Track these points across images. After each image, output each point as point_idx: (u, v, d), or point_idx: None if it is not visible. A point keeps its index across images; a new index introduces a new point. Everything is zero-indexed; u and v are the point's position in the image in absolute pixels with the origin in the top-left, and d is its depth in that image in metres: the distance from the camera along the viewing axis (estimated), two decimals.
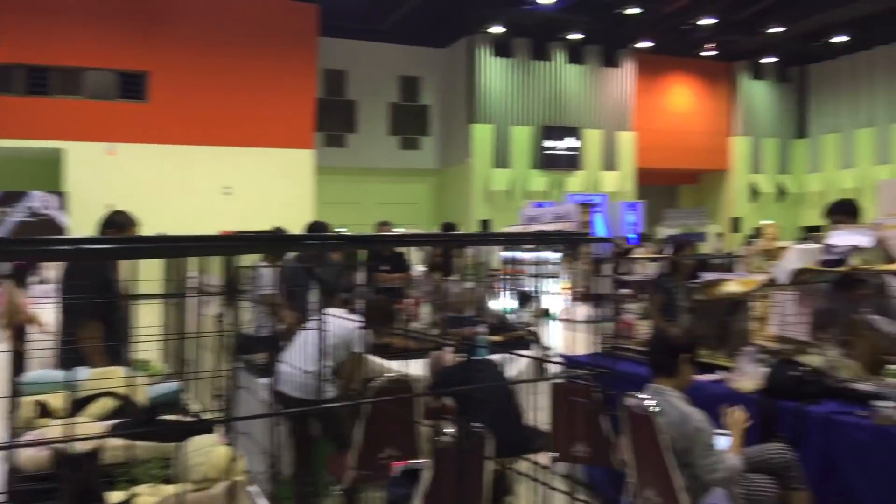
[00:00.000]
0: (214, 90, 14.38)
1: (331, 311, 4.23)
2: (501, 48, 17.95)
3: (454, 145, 18.44)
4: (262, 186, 14.63)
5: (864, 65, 19.82)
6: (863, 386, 3.32)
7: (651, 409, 2.85)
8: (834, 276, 3.61)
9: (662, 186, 21.50)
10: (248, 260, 4.84)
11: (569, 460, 3.88)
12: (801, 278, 3.62)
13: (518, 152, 18.25)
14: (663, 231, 17.90)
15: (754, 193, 21.04)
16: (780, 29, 17.45)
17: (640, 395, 2.95)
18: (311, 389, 3.62)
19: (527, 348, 5.66)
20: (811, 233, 13.71)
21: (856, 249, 3.53)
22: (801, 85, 21.73)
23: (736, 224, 19.75)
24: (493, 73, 17.98)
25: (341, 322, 3.95)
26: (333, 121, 17.30)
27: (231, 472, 2.32)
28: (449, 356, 3.79)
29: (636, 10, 16.05)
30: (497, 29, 17.13)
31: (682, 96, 20.65)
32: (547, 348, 6.47)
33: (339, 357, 3.93)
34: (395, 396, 3.21)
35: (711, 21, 16.76)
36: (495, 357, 4.53)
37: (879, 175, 17.90)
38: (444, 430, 2.56)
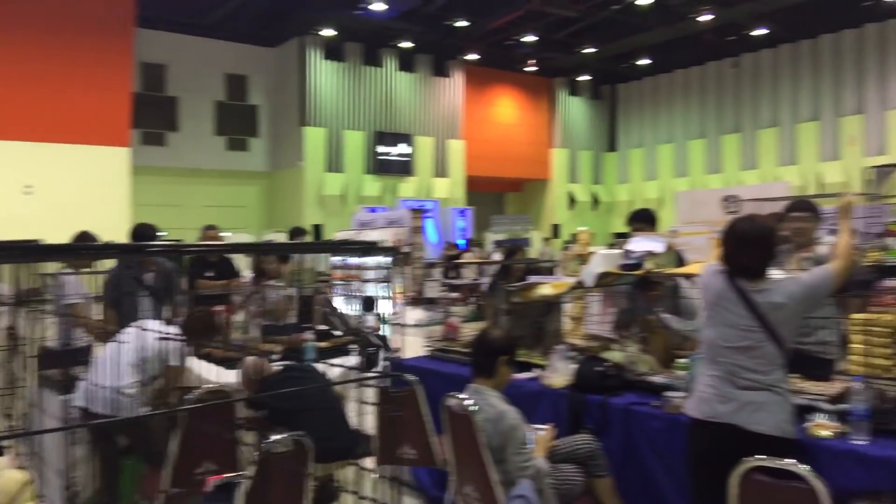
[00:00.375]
0: (13, 79, 12.99)
1: (144, 322, 3.99)
2: (333, 51, 17.84)
3: (285, 148, 18.05)
4: (70, 186, 13.41)
5: (665, 86, 21.93)
6: (657, 378, 3.66)
7: (469, 408, 2.96)
8: (632, 278, 3.96)
9: (490, 193, 22.42)
10: (49, 266, 4.44)
11: (394, 463, 3.93)
12: (604, 281, 3.93)
13: (351, 157, 18.22)
14: (491, 236, 18.67)
15: (572, 202, 22.52)
16: (593, 50, 18.86)
17: (460, 396, 3.05)
18: (117, 405, 3.38)
19: (375, 354, 5.63)
20: (619, 238, 14.90)
21: (650, 254, 3.90)
22: (612, 102, 23.62)
23: (556, 230, 21.02)
24: (325, 76, 17.83)
25: (155, 334, 3.74)
26: (152, 118, 16.26)
27: (21, 497, 2.12)
28: (265, 364, 3.70)
29: (464, 23, 16.63)
30: (328, 32, 17.01)
31: (507, 108, 21.66)
32: (396, 351, 6.50)
33: (152, 370, 3.70)
34: (208, 404, 3.08)
35: (532, 39, 17.76)
36: (331, 361, 4.49)
37: (678, 186, 19.88)
38: (263, 441, 2.50)
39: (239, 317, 4.53)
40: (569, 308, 4.64)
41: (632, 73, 21.80)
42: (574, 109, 22.81)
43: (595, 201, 22.97)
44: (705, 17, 16.13)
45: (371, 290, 11.20)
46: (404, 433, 3.67)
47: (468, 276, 13.71)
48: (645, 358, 3.87)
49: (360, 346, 7.61)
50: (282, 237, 15.32)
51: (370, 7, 15.20)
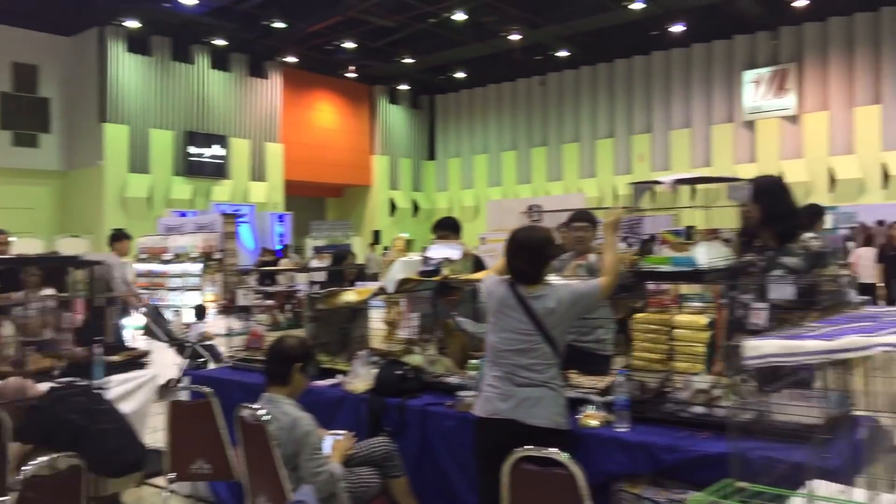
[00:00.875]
0: None
1: None
2: (137, 44, 16.74)
3: (82, 145, 16.64)
4: None
5: (480, 99, 22.93)
6: (452, 379, 3.84)
7: (262, 418, 2.93)
8: (431, 284, 4.12)
9: (310, 199, 22.14)
10: None
11: (189, 479, 3.78)
12: (404, 287, 4.06)
13: (158, 157, 17.18)
14: (311, 242, 18.45)
15: (393, 208, 22.84)
16: (411, 60, 19.30)
17: (253, 406, 3.02)
18: None
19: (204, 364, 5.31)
20: None
21: (448, 261, 4.09)
22: (431, 112, 24.30)
23: (377, 236, 21.21)
24: (128, 69, 16.67)
25: None
26: None
27: None
28: (29, 386, 3.42)
29: (281, 25, 16.33)
30: (132, 23, 15.93)
31: (327, 113, 21.54)
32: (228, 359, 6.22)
33: None
34: None
35: (352, 45, 17.83)
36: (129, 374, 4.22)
37: (492, 195, 20.86)
38: (30, 463, 2.32)
39: (7, 331, 4.12)
40: (382, 314, 4.74)
41: (449, 84, 22.56)
42: (394, 117, 23.17)
43: (415, 208, 23.46)
44: (515, 37, 17.10)
45: (176, 298, 10.69)
46: (199, 447, 3.55)
47: (284, 282, 13.44)
48: (442, 360, 4.04)
49: (189, 357, 7.23)
50: (78, 242, 14.12)
51: (179, 0, 14.46)
